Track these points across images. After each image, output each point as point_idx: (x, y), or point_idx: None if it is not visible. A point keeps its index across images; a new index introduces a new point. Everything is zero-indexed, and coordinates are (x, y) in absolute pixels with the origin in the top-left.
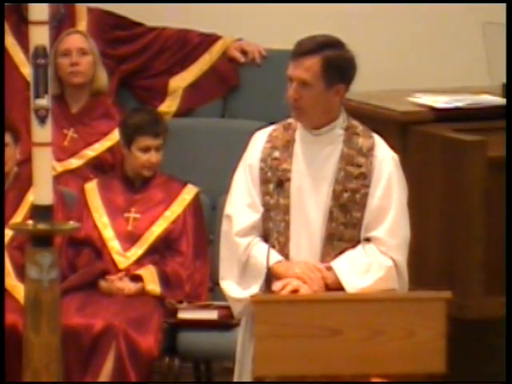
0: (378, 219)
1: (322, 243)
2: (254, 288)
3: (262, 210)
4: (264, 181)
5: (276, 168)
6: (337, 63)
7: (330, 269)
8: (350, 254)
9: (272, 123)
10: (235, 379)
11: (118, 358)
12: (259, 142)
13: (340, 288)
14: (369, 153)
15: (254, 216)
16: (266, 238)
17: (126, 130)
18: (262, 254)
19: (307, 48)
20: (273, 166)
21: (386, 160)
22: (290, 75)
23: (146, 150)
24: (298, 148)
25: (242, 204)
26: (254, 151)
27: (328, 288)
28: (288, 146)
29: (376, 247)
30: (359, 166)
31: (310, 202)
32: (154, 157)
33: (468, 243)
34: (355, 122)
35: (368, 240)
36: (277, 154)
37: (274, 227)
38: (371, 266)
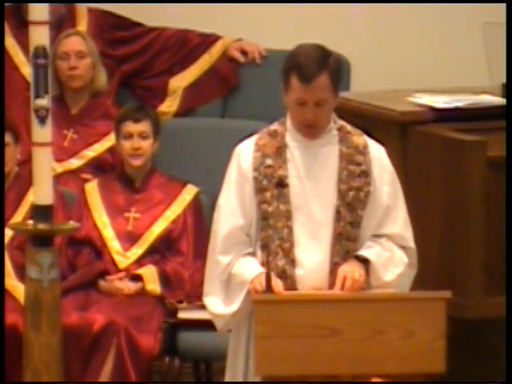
0: (391, 215)
1: (331, 243)
2: (236, 304)
3: (252, 223)
4: (259, 190)
5: (271, 175)
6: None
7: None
8: (375, 248)
9: (271, 123)
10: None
11: (118, 357)
12: (246, 153)
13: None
14: (365, 150)
15: (241, 236)
16: (264, 246)
17: (115, 123)
18: (245, 269)
19: (314, 68)
20: (267, 174)
21: (383, 155)
22: (306, 99)
23: (129, 136)
24: (291, 153)
25: (228, 223)
26: (243, 164)
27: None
28: (280, 152)
29: (392, 242)
30: (359, 164)
31: (315, 204)
32: (136, 143)
33: (468, 243)
34: (343, 121)
35: (379, 236)
36: (269, 161)
37: (274, 234)
38: (393, 260)
